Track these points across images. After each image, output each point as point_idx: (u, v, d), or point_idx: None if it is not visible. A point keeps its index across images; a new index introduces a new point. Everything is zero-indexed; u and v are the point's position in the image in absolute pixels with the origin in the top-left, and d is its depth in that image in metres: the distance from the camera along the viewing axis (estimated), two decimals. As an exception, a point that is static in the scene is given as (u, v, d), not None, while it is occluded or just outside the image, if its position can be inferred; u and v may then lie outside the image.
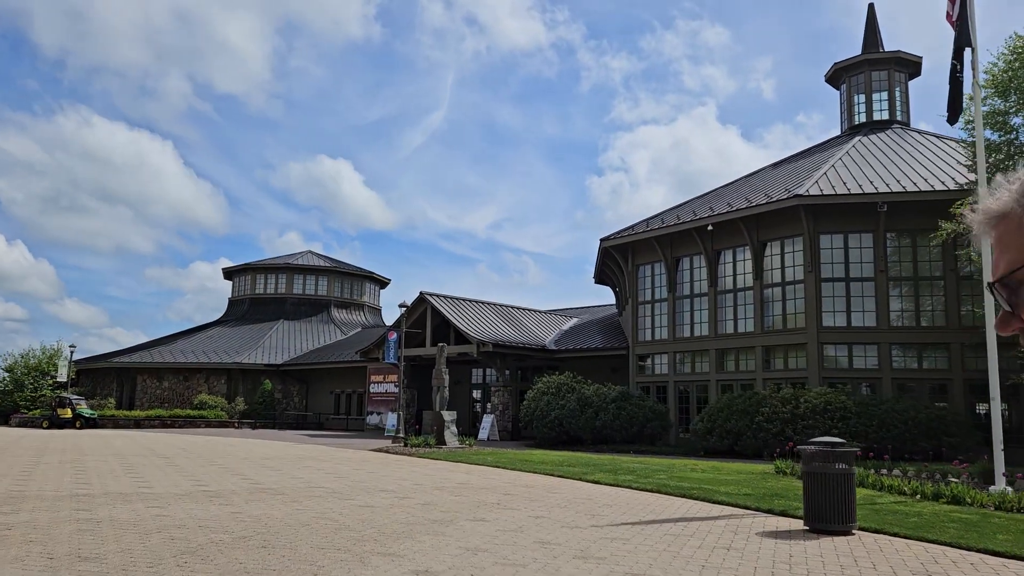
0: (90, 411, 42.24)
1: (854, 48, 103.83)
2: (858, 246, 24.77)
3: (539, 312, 42.60)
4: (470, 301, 38.35)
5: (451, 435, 25.46)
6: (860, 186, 24.48)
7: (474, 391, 40.70)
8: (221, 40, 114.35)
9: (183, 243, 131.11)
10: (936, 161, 26.57)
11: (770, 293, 26.18)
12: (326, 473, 16.06)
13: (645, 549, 7.83)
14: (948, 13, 14.32)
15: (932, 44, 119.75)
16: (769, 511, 10.67)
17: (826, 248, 25.03)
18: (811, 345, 24.39)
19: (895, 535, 8.86)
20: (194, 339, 53.14)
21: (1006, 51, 19.44)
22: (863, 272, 24.60)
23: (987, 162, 19.84)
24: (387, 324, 55.28)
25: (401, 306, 31.19)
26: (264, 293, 58.45)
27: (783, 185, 27.48)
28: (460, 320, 34.98)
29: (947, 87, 14.39)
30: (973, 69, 14.06)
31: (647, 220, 31.61)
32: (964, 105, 16.97)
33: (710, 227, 27.11)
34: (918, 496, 11.86)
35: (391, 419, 37.74)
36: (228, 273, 61.56)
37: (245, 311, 58.03)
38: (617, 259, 32.04)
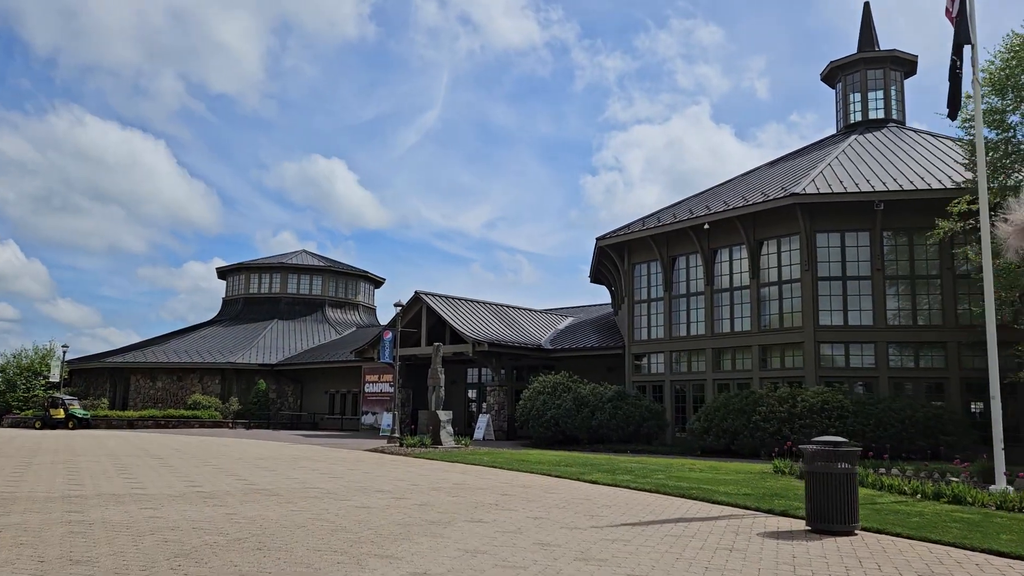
0: (83, 411, 41.97)
1: (847, 47, 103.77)
2: (855, 245, 24.73)
3: (535, 311, 42.50)
4: (466, 300, 38.22)
5: (447, 435, 25.33)
6: (857, 185, 24.44)
7: (469, 391, 40.57)
8: (215, 40, 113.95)
9: (176, 243, 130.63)
10: (932, 160, 26.56)
11: (766, 292, 26.13)
12: (321, 473, 15.92)
13: (646, 551, 7.72)
14: (947, 9, 14.25)
15: (928, 43, 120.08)
16: (770, 511, 10.58)
17: (823, 247, 24.98)
18: (808, 344, 24.33)
19: (898, 535, 8.77)
20: (188, 339, 52.88)
21: (1003, 49, 19.42)
22: (860, 271, 24.56)
23: (984, 160, 19.85)
24: (382, 324, 55.09)
25: (397, 305, 31.04)
26: (258, 293, 58.21)
27: (779, 184, 27.43)
28: (456, 319, 34.85)
29: (942, 86, 14.51)
30: (973, 66, 14.00)
31: (643, 219, 31.54)
32: (963, 102, 16.97)
33: (706, 226, 27.03)
34: (918, 496, 11.78)
35: (386, 419, 37.60)
36: (222, 273, 61.29)
37: (239, 311, 57.77)
38: (613, 258, 31.95)
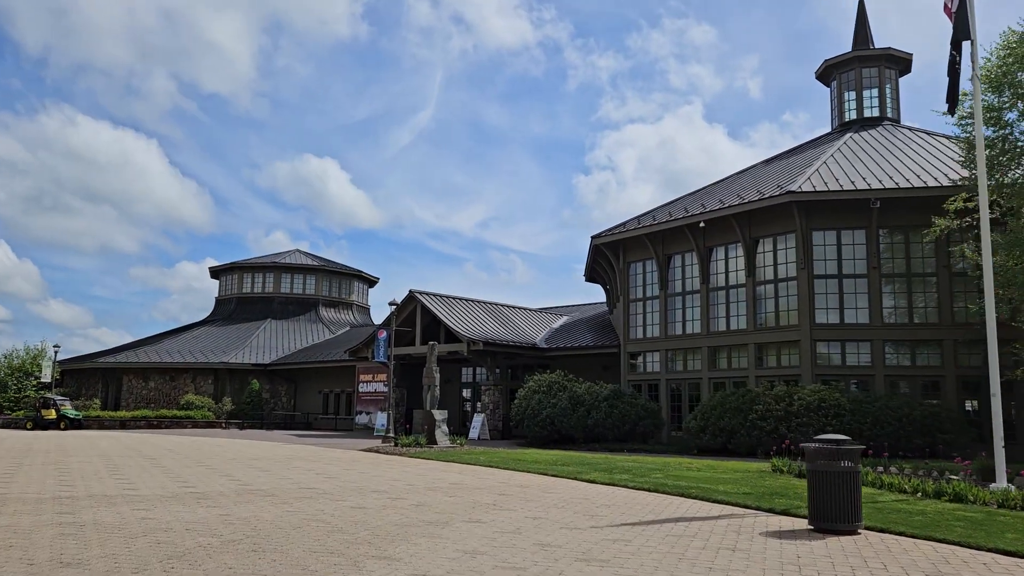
0: (75, 412, 41.64)
1: (839, 47, 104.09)
2: (851, 243, 24.69)
3: (529, 310, 42.38)
4: (460, 299, 38.07)
5: (442, 434, 25.18)
6: (853, 182, 24.40)
7: (464, 390, 40.43)
8: (207, 39, 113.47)
9: (169, 243, 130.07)
10: (928, 158, 26.55)
11: (763, 290, 26.06)
12: (316, 474, 15.76)
13: (648, 551, 7.60)
14: (946, 5, 14.18)
15: (922, 41, 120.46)
16: (771, 510, 10.47)
17: (819, 245, 24.93)
18: (804, 342, 24.28)
19: (901, 534, 8.68)
20: (180, 339, 52.57)
21: (999, 46, 19.36)
22: (856, 269, 24.52)
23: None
24: (376, 323, 54.90)
25: (391, 304, 30.87)
26: (251, 292, 57.90)
27: (775, 182, 27.38)
28: (450, 318, 34.70)
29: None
30: (972, 62, 13.93)
31: (639, 217, 31.45)
32: (960, 98, 16.90)
33: (702, 224, 26.96)
34: (919, 494, 11.70)
35: (380, 418, 37.41)
36: (215, 272, 60.97)
37: (232, 310, 57.47)
38: (608, 256, 31.85)
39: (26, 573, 6.28)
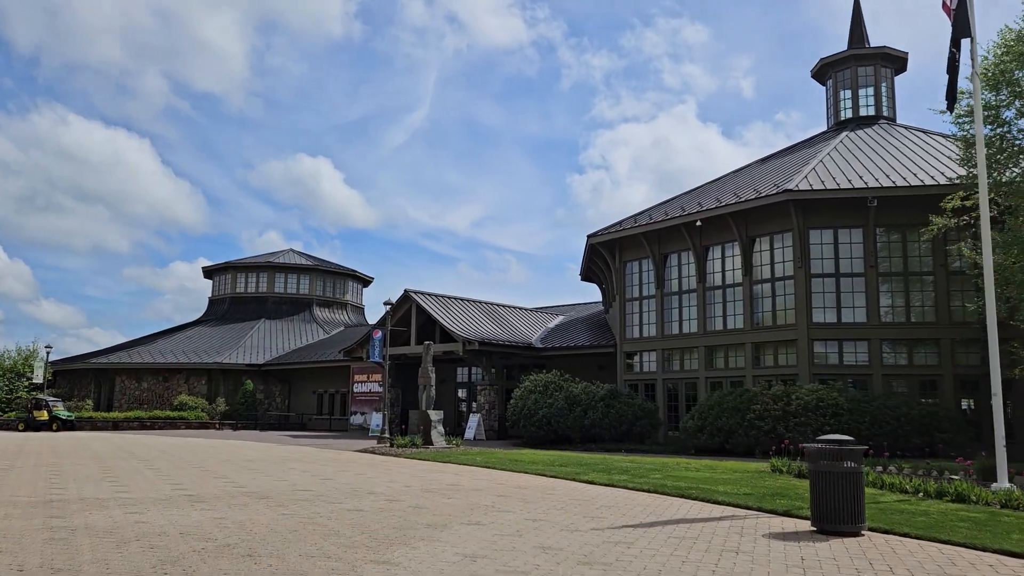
0: (67, 413, 41.33)
1: (832, 47, 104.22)
2: (848, 241, 24.64)
3: (525, 310, 42.25)
4: (455, 299, 37.92)
5: (438, 435, 25.04)
6: (850, 181, 24.35)
7: (459, 390, 40.28)
8: (199, 38, 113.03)
9: (161, 242, 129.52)
10: (924, 156, 26.52)
11: (759, 289, 25.99)
12: (311, 475, 15.60)
13: (651, 554, 7.48)
14: (945, 3, 14.10)
15: (916, 40, 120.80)
16: (772, 511, 10.36)
17: (816, 244, 24.88)
18: (801, 341, 24.22)
19: (905, 535, 8.58)
20: (174, 339, 52.26)
21: (996, 44, 19.33)
22: (853, 268, 24.47)
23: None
24: (370, 323, 54.66)
25: (386, 304, 30.69)
26: (245, 292, 57.62)
27: (772, 181, 27.31)
28: (445, 318, 34.55)
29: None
30: (972, 60, 13.86)
31: (634, 216, 31.36)
32: (960, 96, 16.84)
33: (698, 223, 26.88)
34: (920, 494, 11.61)
35: (375, 419, 37.24)
36: (208, 272, 60.65)
37: (225, 310, 57.18)
38: (604, 255, 31.75)
39: (15, 580, 6.12)
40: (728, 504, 11.09)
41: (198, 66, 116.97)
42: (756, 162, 34.60)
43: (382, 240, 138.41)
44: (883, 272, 24.29)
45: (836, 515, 8.69)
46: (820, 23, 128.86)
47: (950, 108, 14.98)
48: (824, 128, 33.94)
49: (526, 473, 16.05)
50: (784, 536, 8.63)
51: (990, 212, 18.44)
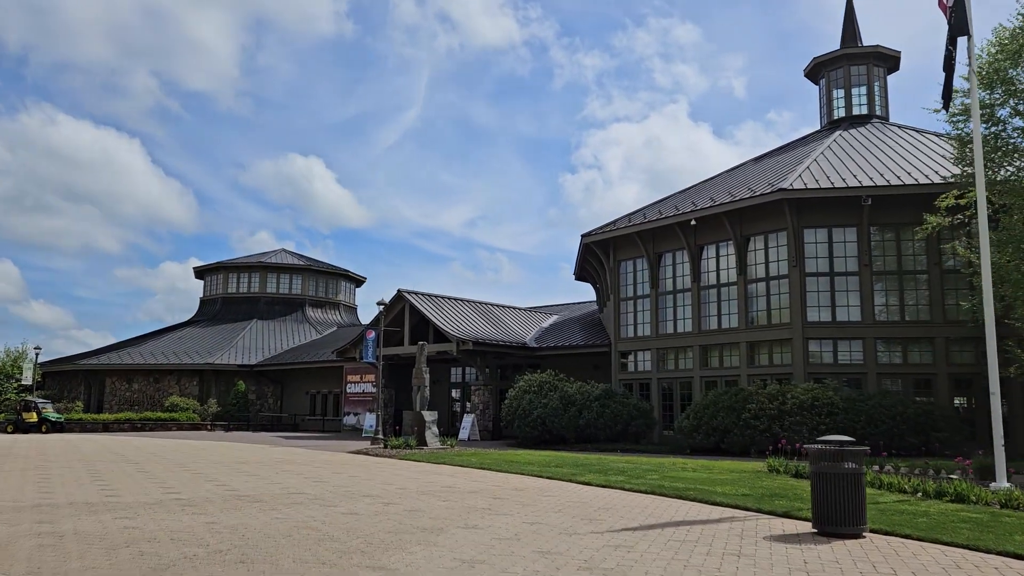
0: (56, 415, 40.97)
1: (824, 47, 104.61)
2: (842, 240, 24.62)
3: (519, 310, 42.12)
4: (449, 299, 37.76)
5: (432, 436, 24.89)
6: (844, 180, 24.32)
7: (453, 390, 40.12)
8: (189, 37, 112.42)
9: (152, 243, 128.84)
10: (918, 155, 26.53)
11: (754, 288, 25.94)
12: (305, 478, 15.42)
13: (652, 558, 7.36)
14: (941, 1, 14.03)
15: (908, 39, 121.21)
16: (772, 513, 10.26)
17: (810, 243, 24.84)
18: (796, 340, 24.17)
19: (907, 537, 8.49)
20: (165, 340, 51.91)
21: (991, 42, 19.31)
22: (847, 267, 24.45)
23: (972, 155, 19.73)
24: (363, 323, 54.47)
25: (379, 304, 30.51)
26: (237, 292, 57.29)
27: (766, 180, 27.27)
28: (439, 318, 34.38)
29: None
30: (969, 57, 13.80)
31: (629, 215, 31.27)
32: (956, 94, 16.80)
33: (693, 222, 26.81)
34: (919, 494, 11.54)
35: (369, 420, 37.05)
36: (199, 272, 60.29)
37: (217, 311, 56.84)
38: (599, 255, 31.65)
39: (1, 589, 5.95)
40: (727, 505, 10.98)
41: (188, 65, 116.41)
42: (750, 161, 34.57)
43: (375, 240, 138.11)
44: (877, 271, 24.27)
45: (837, 517, 8.59)
46: (812, 23, 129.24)
47: (946, 107, 14.93)
48: (816, 127, 33.96)
49: (522, 474, 15.92)
50: (785, 538, 8.52)
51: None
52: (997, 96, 19.30)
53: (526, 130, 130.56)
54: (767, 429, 21.60)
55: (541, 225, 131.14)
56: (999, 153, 19.58)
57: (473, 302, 39.11)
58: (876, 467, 15.55)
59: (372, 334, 33.85)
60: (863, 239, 24.19)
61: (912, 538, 8.44)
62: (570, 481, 14.52)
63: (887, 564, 7.15)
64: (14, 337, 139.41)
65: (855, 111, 32.24)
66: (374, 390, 37.39)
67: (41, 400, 41.88)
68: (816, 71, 33.33)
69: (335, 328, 55.39)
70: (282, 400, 48.99)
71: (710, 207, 26.33)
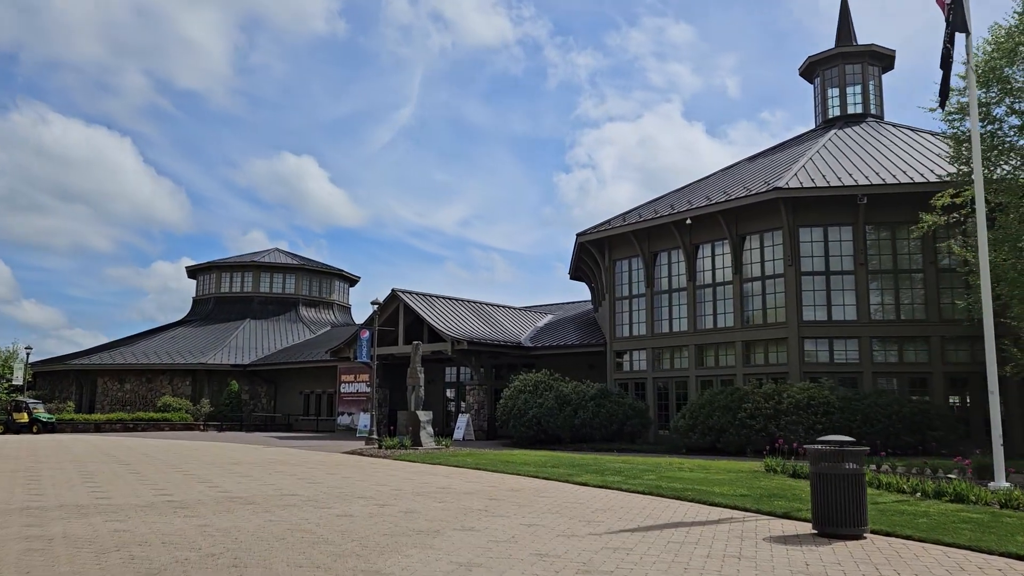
0: (48, 415, 40.66)
1: (817, 46, 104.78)
2: (838, 239, 24.58)
3: (514, 309, 42.00)
4: (444, 298, 37.61)
5: (427, 436, 24.75)
6: (839, 179, 24.28)
7: (448, 390, 39.98)
8: (181, 35, 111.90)
9: (144, 242, 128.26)
10: (913, 154, 26.51)
11: (749, 288, 25.89)
12: (299, 478, 15.27)
13: (651, 560, 7.25)
14: (939, -2, 13.96)
15: (902, 38, 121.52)
16: (771, 513, 10.17)
17: (806, 241, 24.80)
18: (792, 340, 24.12)
19: (908, 538, 8.40)
20: (157, 339, 51.60)
21: (986, 41, 19.29)
22: (843, 265, 24.41)
23: (968, 154, 19.71)
24: (357, 323, 54.23)
25: (373, 303, 30.34)
26: (230, 292, 57.00)
27: (761, 178, 27.22)
28: (434, 317, 34.24)
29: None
30: (968, 55, 13.74)
31: (624, 214, 31.19)
32: (953, 92, 16.75)
33: (688, 221, 26.74)
34: (918, 494, 11.46)
35: (363, 420, 36.89)
36: (192, 272, 59.97)
37: (210, 310, 56.54)
38: (594, 254, 31.56)
39: (-14, 596, 5.80)
40: (725, 506, 10.89)
41: (180, 64, 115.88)
42: (745, 160, 34.53)
43: (368, 239, 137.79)
44: (873, 270, 24.24)
45: (838, 518, 8.50)
46: (805, 23, 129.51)
47: (942, 105, 14.87)
48: (810, 126, 33.95)
49: (518, 475, 15.80)
50: (785, 540, 8.43)
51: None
52: (993, 94, 19.28)
53: (520, 129, 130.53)
54: (763, 429, 21.54)
55: (535, 224, 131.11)
56: (995, 152, 19.56)
57: (468, 301, 38.98)
58: (873, 466, 15.49)
59: (366, 334, 33.69)
60: (859, 238, 24.16)
61: (913, 539, 8.36)
62: (567, 482, 14.41)
63: (890, 566, 7.06)
64: (5, 337, 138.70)
65: (850, 110, 32.22)
66: (368, 390, 37.23)
67: (32, 400, 41.58)
68: (811, 70, 33.30)
69: (329, 328, 55.16)
70: (276, 400, 48.75)
71: (705, 206, 26.27)
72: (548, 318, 40.98)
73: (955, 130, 20.14)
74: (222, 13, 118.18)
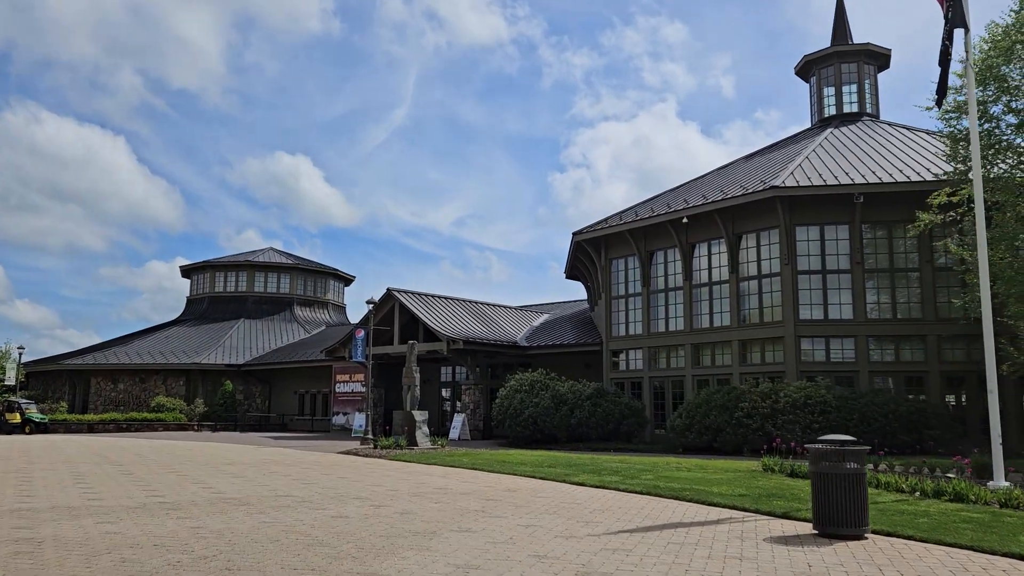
0: (40, 416, 40.37)
1: (812, 46, 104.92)
2: (834, 238, 24.54)
3: (509, 308, 41.88)
4: (439, 297, 37.48)
5: (423, 435, 24.62)
6: (836, 178, 24.24)
7: (443, 390, 39.84)
8: (175, 34, 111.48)
9: (138, 241, 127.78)
10: (909, 152, 26.49)
11: (746, 286, 25.83)
12: (293, 479, 15.14)
13: (651, 562, 7.15)
14: (938, -5, 13.89)
15: (898, 37, 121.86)
16: (770, 513, 10.09)
17: (802, 240, 24.75)
18: (788, 339, 24.07)
19: (910, 538, 8.32)
20: (151, 339, 51.32)
21: (983, 39, 19.26)
22: (839, 264, 24.37)
23: (965, 152, 19.68)
24: (352, 322, 54.06)
25: (369, 303, 30.19)
26: (224, 291, 56.74)
27: (758, 177, 27.17)
28: (429, 317, 34.11)
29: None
30: (966, 51, 13.68)
31: (620, 213, 31.11)
32: (950, 91, 16.69)
33: (685, 220, 26.67)
34: (918, 493, 11.40)
35: (358, 419, 36.73)
36: (186, 271, 59.69)
37: (204, 310, 56.28)
38: (590, 253, 31.47)
39: (-27, 601, 5.67)
40: (724, 506, 10.80)
41: (174, 63, 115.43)
42: (741, 159, 34.49)
43: (363, 239, 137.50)
44: (869, 268, 24.20)
45: (839, 518, 8.42)
46: (800, 23, 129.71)
47: (939, 102, 14.81)
48: (805, 126, 33.92)
49: (515, 475, 15.70)
50: (786, 540, 8.34)
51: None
52: (990, 93, 19.25)
53: (515, 129, 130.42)
54: (760, 428, 21.48)
55: (530, 224, 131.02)
56: (992, 150, 19.53)
57: (463, 301, 38.85)
58: (872, 466, 15.43)
59: (361, 333, 33.54)
60: (855, 237, 24.12)
61: (915, 539, 8.28)
62: (564, 482, 14.31)
63: (893, 567, 6.98)
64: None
65: (846, 109, 32.20)
66: (363, 389, 37.08)
67: (25, 401, 41.28)
68: (807, 69, 33.27)
69: (324, 327, 54.96)
70: (270, 400, 48.55)
71: (702, 205, 26.20)
72: (544, 317, 40.88)
73: (952, 128, 20.10)
74: (216, 12, 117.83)
